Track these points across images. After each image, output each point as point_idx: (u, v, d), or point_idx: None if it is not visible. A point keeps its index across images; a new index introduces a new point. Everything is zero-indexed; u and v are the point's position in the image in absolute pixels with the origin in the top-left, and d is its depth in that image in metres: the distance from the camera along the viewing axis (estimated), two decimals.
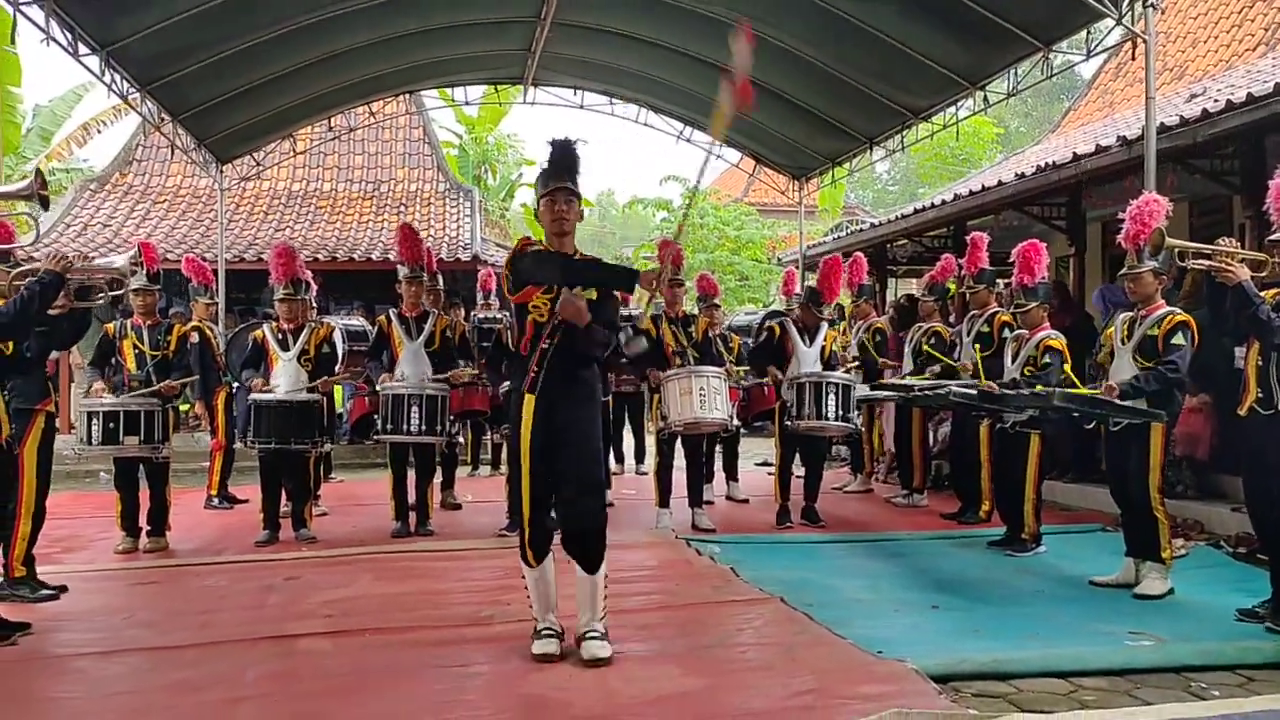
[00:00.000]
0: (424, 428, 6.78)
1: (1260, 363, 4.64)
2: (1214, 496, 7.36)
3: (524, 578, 4.25)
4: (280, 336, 6.97)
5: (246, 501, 8.42)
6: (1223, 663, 4.12)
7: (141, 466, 6.62)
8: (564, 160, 4.30)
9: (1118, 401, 5.27)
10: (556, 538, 4.23)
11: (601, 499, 4.32)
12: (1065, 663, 4.08)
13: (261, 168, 13.51)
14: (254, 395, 6.72)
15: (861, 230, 14.87)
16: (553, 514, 4.21)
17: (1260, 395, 4.64)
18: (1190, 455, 7.47)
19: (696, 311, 8.41)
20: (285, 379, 6.82)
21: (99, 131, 19.36)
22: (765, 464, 11.44)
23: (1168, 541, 5.36)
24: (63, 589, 5.37)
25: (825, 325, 7.68)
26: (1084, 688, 3.87)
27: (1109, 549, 6.08)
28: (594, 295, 4.17)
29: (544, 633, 4.19)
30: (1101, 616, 4.87)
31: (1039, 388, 5.78)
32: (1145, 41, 7.55)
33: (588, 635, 4.09)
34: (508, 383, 6.90)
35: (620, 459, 10.32)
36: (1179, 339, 5.21)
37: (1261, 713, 3.52)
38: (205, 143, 11.56)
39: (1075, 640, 4.42)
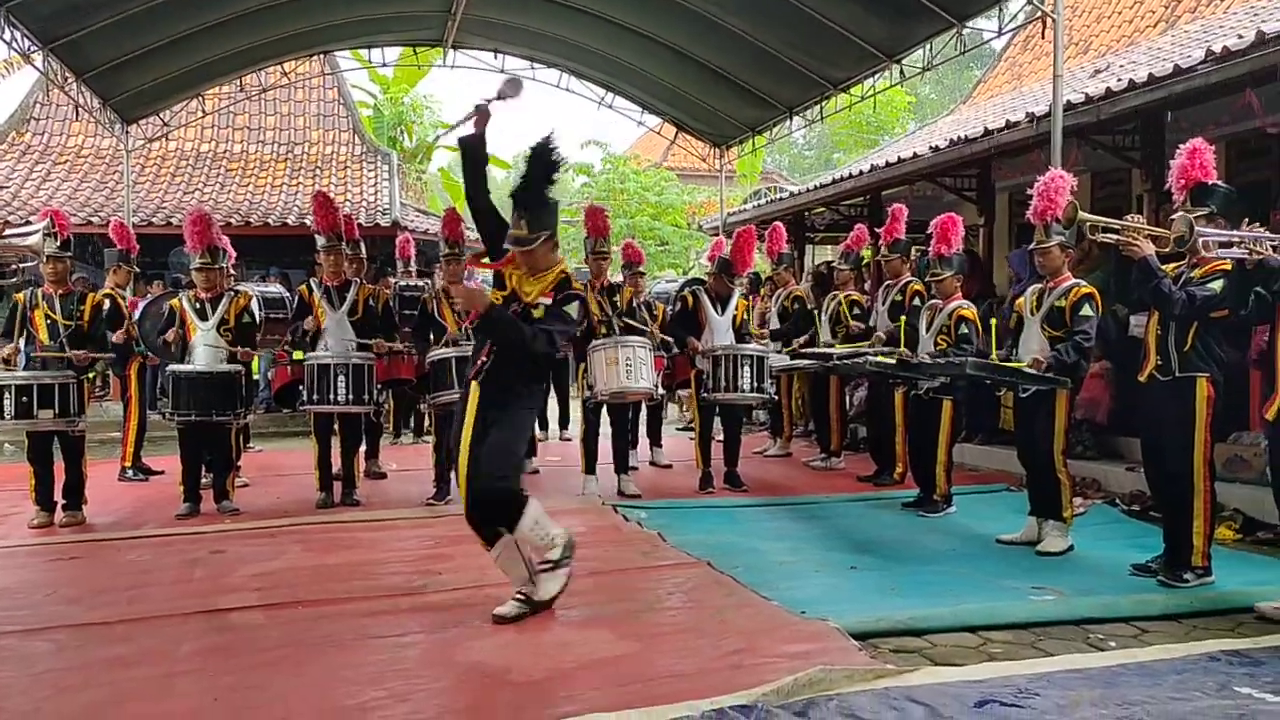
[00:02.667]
0: (351, 397, 6.76)
1: (1160, 332, 4.92)
2: (1111, 457, 7.75)
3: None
4: (198, 306, 6.83)
5: (162, 473, 8.28)
6: (1119, 615, 4.39)
7: (56, 439, 6.47)
8: (523, 184, 4.30)
9: (1026, 370, 5.55)
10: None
11: (496, 492, 4.29)
12: (975, 618, 4.30)
13: (169, 128, 13.09)
14: (173, 367, 6.60)
15: (780, 199, 15.07)
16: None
17: (1159, 363, 4.92)
18: (1090, 418, 7.85)
19: (621, 279, 8.48)
20: (204, 349, 6.71)
21: None
22: (687, 428, 11.63)
23: (1068, 501, 5.66)
24: None
25: (736, 294, 7.85)
26: (992, 641, 4.10)
27: (1014, 508, 6.39)
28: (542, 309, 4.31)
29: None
30: (1007, 573, 5.13)
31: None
32: (1054, 20, 7.81)
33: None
34: (435, 350, 6.95)
35: (544, 425, 10.38)
36: (1087, 310, 5.49)
37: (1155, 661, 3.77)
38: (110, 102, 11.16)
39: (984, 596, 4.66)
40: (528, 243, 4.21)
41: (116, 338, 7.78)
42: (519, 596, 4.30)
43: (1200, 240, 4.62)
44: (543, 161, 4.28)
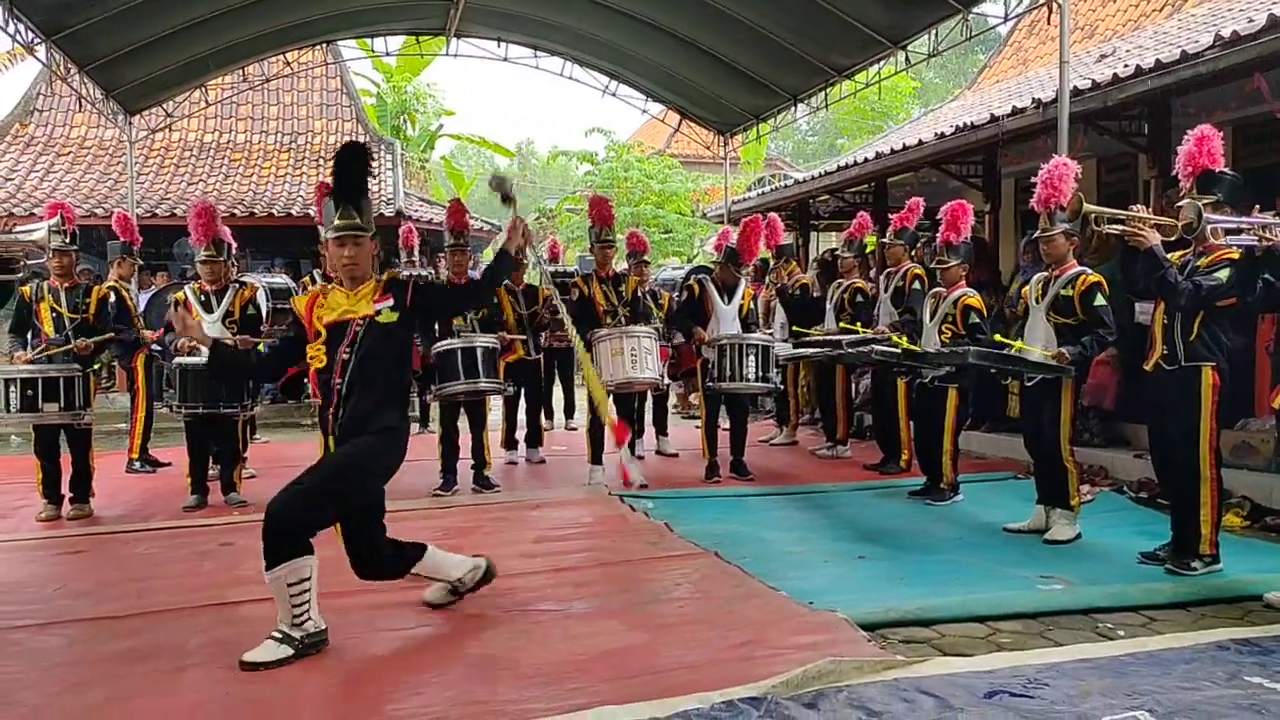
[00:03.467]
0: None
1: (1166, 321, 4.90)
2: (1119, 444, 7.74)
3: None
4: (203, 298, 6.83)
5: (169, 465, 8.30)
6: (1127, 604, 4.38)
7: (63, 432, 6.48)
8: (343, 181, 4.00)
9: (1029, 358, 5.53)
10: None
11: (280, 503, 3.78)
12: (983, 607, 4.29)
13: (172, 119, 13.08)
14: (180, 359, 6.60)
15: (785, 186, 15.03)
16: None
17: (1165, 352, 4.90)
18: (1097, 405, 7.83)
19: (626, 268, 8.47)
20: None
21: None
22: (693, 417, 11.64)
23: (1076, 489, 5.65)
24: None
25: (743, 283, 7.83)
26: (1001, 631, 4.10)
27: (1021, 496, 6.39)
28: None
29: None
30: (1015, 562, 5.13)
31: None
32: (1060, 5, 7.76)
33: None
34: (440, 342, 6.95)
35: (550, 415, 10.38)
36: (1100, 300, 5.45)
37: (1164, 650, 3.76)
38: (113, 94, 11.15)
39: (992, 585, 4.66)
40: (365, 229, 3.99)
41: (136, 360, 7.87)
42: (448, 585, 4.38)
43: (1209, 228, 4.59)
44: (356, 157, 4.05)
